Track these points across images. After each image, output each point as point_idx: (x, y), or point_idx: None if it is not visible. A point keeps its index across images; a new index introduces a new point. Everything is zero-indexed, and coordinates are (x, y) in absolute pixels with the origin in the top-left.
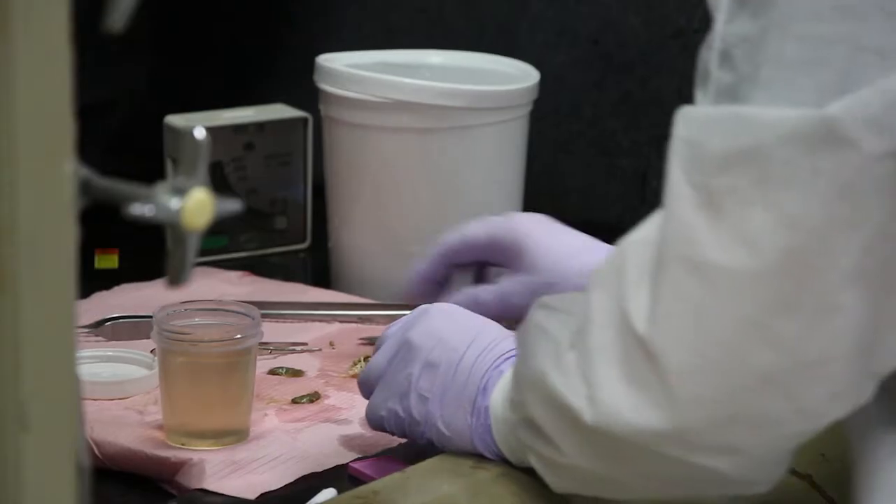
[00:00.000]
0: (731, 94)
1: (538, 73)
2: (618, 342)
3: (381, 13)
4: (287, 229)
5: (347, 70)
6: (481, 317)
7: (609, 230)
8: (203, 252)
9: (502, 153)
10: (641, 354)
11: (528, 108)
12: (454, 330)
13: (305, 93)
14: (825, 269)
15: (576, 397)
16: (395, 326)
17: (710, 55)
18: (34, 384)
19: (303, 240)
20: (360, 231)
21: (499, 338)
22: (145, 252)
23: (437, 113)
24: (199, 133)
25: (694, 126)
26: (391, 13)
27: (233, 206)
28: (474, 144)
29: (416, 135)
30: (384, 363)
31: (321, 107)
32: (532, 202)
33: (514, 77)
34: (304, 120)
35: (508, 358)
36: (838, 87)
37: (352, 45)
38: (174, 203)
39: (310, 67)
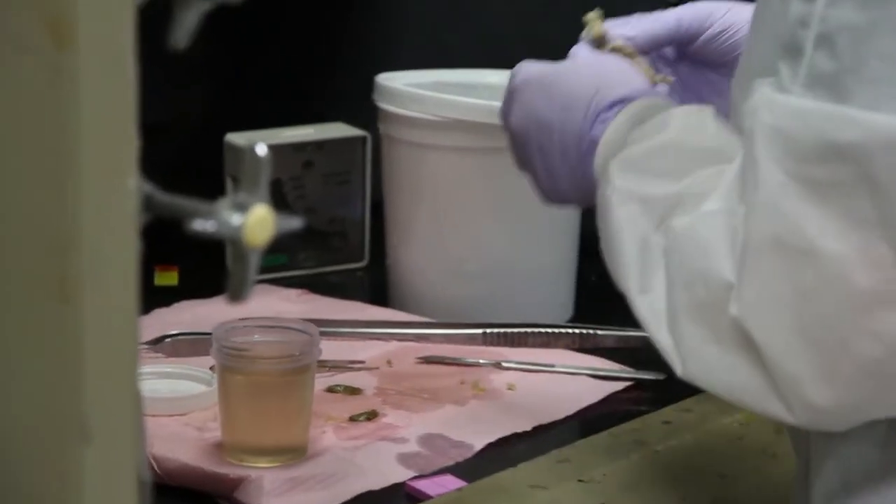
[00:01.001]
0: (829, 84)
1: None
2: (705, 312)
3: (439, 33)
4: (345, 247)
5: (406, 89)
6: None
7: None
8: (262, 270)
9: None
10: (734, 334)
11: None
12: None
13: (364, 111)
14: None
15: (664, 342)
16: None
17: (804, 33)
18: (97, 397)
19: (361, 258)
20: (417, 249)
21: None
22: (204, 269)
23: (495, 132)
24: (261, 150)
25: (785, 115)
26: (449, 33)
27: (293, 223)
28: None
29: (474, 154)
30: None
31: (380, 125)
32: (591, 222)
33: None
34: (363, 138)
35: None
36: None
37: (410, 64)
38: (236, 219)
39: (369, 86)
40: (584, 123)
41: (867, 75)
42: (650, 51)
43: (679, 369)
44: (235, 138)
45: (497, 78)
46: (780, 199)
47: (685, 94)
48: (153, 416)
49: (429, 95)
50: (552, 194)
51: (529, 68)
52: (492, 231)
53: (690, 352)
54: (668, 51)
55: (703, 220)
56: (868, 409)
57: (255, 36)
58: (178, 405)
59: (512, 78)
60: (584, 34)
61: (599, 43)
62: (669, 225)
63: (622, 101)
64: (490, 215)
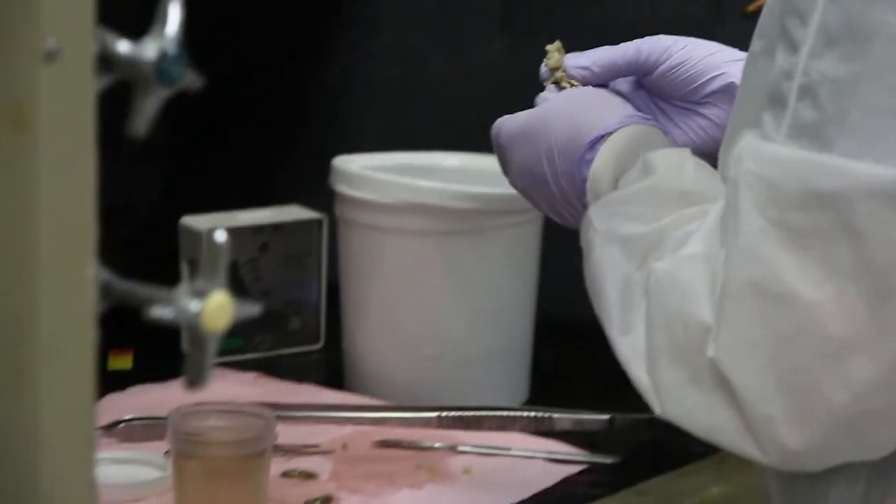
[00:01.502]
0: (812, 134)
1: None
2: (683, 353)
3: (397, 116)
4: (301, 330)
5: (363, 172)
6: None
7: None
8: (217, 353)
9: (517, 255)
10: (712, 376)
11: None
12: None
13: (321, 194)
14: None
15: (643, 382)
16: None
17: (787, 84)
18: (53, 484)
19: (317, 341)
20: (373, 332)
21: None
22: (159, 352)
23: (453, 215)
24: (220, 236)
25: (769, 163)
26: (407, 116)
27: (251, 309)
28: (489, 247)
29: (432, 237)
30: None
31: (337, 208)
32: (547, 304)
33: None
34: (320, 221)
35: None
36: None
37: (368, 147)
38: (194, 306)
39: (326, 168)
40: (574, 168)
41: (849, 125)
42: (608, 80)
43: (657, 409)
44: (191, 221)
45: (455, 161)
46: (760, 244)
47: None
48: (107, 502)
49: (386, 179)
50: (568, 224)
51: (509, 126)
52: (448, 314)
53: (669, 393)
54: (624, 82)
55: (683, 263)
56: (839, 452)
57: (212, 118)
58: (133, 491)
59: (496, 139)
60: (543, 65)
61: (554, 73)
62: (650, 266)
63: (601, 138)
64: (446, 298)
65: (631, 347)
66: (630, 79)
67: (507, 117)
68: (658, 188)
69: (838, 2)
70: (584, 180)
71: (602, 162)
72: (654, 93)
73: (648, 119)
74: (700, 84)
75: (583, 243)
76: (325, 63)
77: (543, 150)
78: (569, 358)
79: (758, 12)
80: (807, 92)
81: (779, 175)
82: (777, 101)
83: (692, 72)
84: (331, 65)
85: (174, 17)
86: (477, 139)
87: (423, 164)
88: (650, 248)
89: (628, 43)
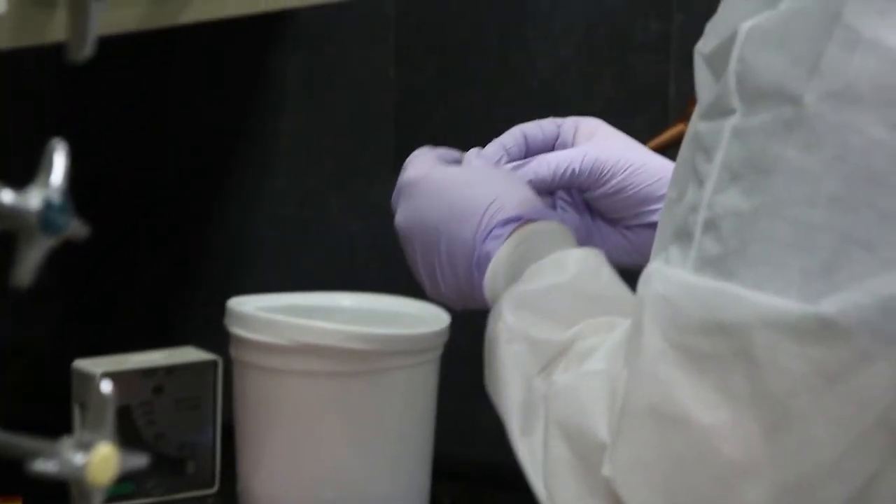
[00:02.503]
0: (715, 266)
1: (448, 316)
2: (579, 468)
3: (293, 256)
4: (196, 474)
5: (257, 313)
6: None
7: None
8: (108, 499)
9: (414, 396)
10: (606, 493)
11: (439, 352)
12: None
13: (217, 335)
14: (805, 457)
15: (540, 491)
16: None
17: (693, 217)
18: None
19: (212, 485)
20: (270, 476)
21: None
22: (50, 499)
23: (349, 356)
24: (106, 387)
25: (673, 286)
26: (302, 256)
27: (138, 460)
28: (386, 388)
29: (328, 379)
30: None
31: (232, 350)
32: (444, 444)
33: (425, 320)
34: (214, 363)
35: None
36: (826, 277)
37: (263, 287)
38: (78, 459)
39: (221, 310)
40: (477, 236)
41: (750, 257)
42: (543, 193)
43: None
44: (83, 365)
45: (350, 301)
46: (659, 366)
47: (576, 231)
48: None
49: (280, 320)
50: (432, 293)
51: (421, 165)
52: (345, 456)
53: None
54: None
55: (585, 379)
56: None
57: (105, 260)
58: None
59: (403, 170)
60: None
61: None
62: (552, 378)
63: (517, 220)
64: (343, 440)
65: (529, 453)
66: None
67: (419, 158)
68: (572, 288)
69: (742, 137)
70: (485, 255)
71: (511, 244)
72: (588, 201)
73: (559, 217)
74: (634, 213)
75: (487, 332)
76: (221, 203)
77: (447, 208)
78: (466, 499)
79: (659, 147)
80: (711, 225)
81: (682, 299)
82: (683, 235)
83: (627, 202)
84: (226, 205)
85: (59, 166)
86: (373, 279)
87: (319, 305)
88: (556, 354)
89: (568, 158)
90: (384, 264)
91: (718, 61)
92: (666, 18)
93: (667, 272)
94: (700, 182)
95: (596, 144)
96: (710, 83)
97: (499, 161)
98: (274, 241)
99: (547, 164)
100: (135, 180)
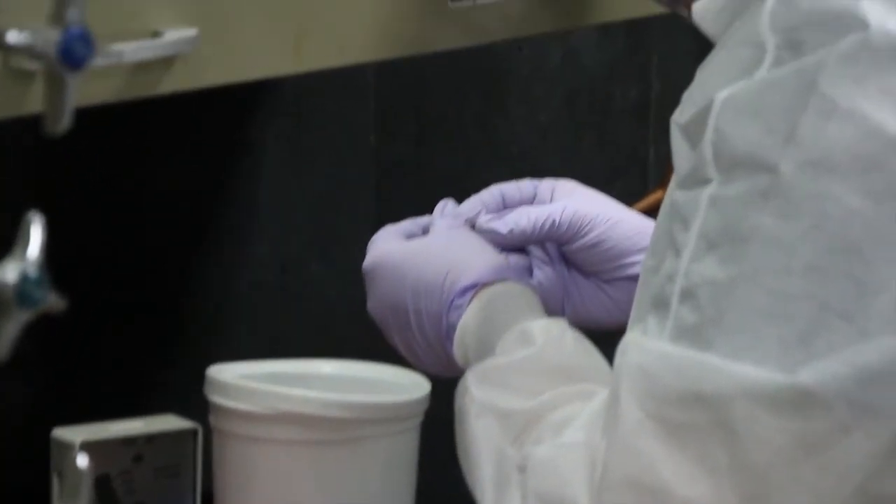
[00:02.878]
0: (692, 335)
1: (429, 384)
2: None
3: (273, 322)
4: None
5: (236, 381)
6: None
7: None
8: None
9: (394, 464)
10: None
11: (420, 419)
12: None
13: (197, 403)
14: None
15: None
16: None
17: (670, 287)
18: None
19: None
20: None
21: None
22: None
23: (328, 424)
24: (82, 461)
25: (650, 357)
26: (283, 322)
27: None
28: (366, 456)
29: (307, 447)
30: None
31: (211, 418)
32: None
33: (405, 387)
34: (194, 431)
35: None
36: (804, 346)
37: (243, 355)
38: None
39: (201, 377)
40: (441, 308)
41: (727, 327)
42: (520, 246)
43: None
44: (62, 433)
45: (330, 368)
46: (637, 437)
47: (553, 287)
48: None
49: (259, 388)
50: (417, 365)
51: (380, 250)
52: None
53: None
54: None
55: (563, 450)
56: None
57: (84, 326)
58: None
59: (366, 258)
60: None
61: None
62: (528, 450)
63: (474, 286)
64: None
65: None
66: None
67: (380, 239)
68: (538, 360)
69: (718, 206)
70: (452, 326)
71: (472, 313)
72: (565, 256)
73: (520, 273)
74: (614, 266)
75: (456, 408)
76: (201, 270)
77: (409, 285)
78: None
79: (646, 210)
80: (688, 295)
81: (659, 370)
82: (661, 305)
83: (607, 255)
84: (206, 271)
85: (36, 239)
86: (353, 346)
87: (299, 372)
88: (527, 425)
89: (547, 210)
90: (364, 331)
91: (695, 131)
92: (645, 85)
93: (644, 342)
94: (677, 251)
95: (574, 200)
96: (687, 152)
97: (478, 213)
98: (254, 308)
99: (527, 216)
100: (114, 247)
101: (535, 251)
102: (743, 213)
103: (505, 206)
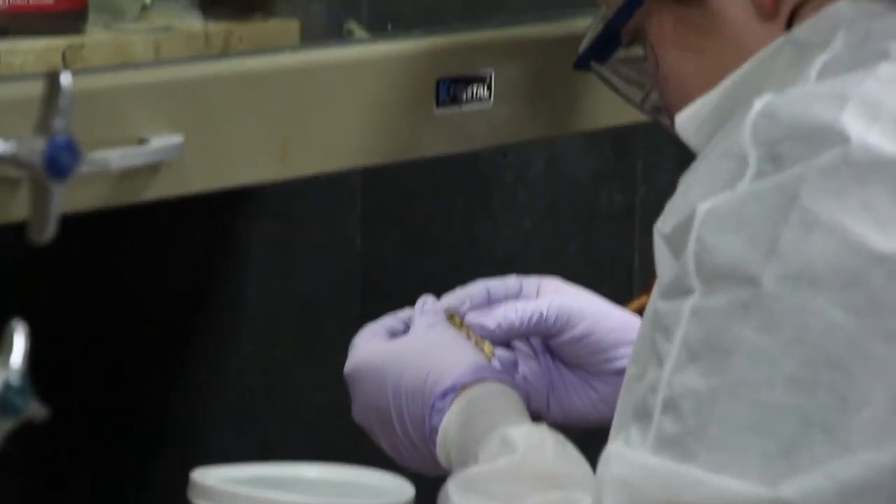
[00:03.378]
0: (674, 447)
1: (413, 488)
2: None
3: (257, 425)
4: None
5: (220, 486)
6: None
7: None
8: None
9: None
10: None
11: None
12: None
13: None
14: None
15: None
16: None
17: (652, 397)
18: None
19: None
20: None
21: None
22: None
23: None
24: None
25: (632, 468)
26: (267, 425)
27: None
28: None
29: None
30: None
31: None
32: None
33: (390, 491)
34: None
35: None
36: (786, 459)
37: (228, 456)
38: None
39: (185, 480)
40: (423, 411)
41: (709, 439)
42: (508, 340)
43: None
44: None
45: (315, 472)
46: None
47: (538, 381)
48: None
49: (244, 492)
50: (403, 465)
51: (361, 353)
52: None
53: None
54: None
55: None
56: None
57: (67, 429)
58: None
59: (347, 362)
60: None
61: (452, 318)
62: None
63: (454, 389)
64: None
65: None
66: None
67: (361, 341)
68: (520, 468)
69: (700, 317)
70: (434, 429)
71: (453, 416)
72: (551, 349)
73: (502, 374)
74: (600, 360)
75: None
76: (185, 371)
77: (390, 389)
78: None
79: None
80: (670, 405)
81: (641, 482)
82: (643, 415)
83: (594, 347)
84: (190, 373)
85: (19, 347)
86: (338, 449)
87: (284, 476)
88: None
89: (534, 305)
90: (349, 433)
91: (677, 240)
92: (630, 191)
93: (626, 453)
94: (660, 361)
95: (560, 295)
96: (670, 262)
97: (463, 305)
98: (239, 410)
99: (515, 310)
100: (99, 348)
101: (520, 345)
102: (725, 324)
103: (490, 301)
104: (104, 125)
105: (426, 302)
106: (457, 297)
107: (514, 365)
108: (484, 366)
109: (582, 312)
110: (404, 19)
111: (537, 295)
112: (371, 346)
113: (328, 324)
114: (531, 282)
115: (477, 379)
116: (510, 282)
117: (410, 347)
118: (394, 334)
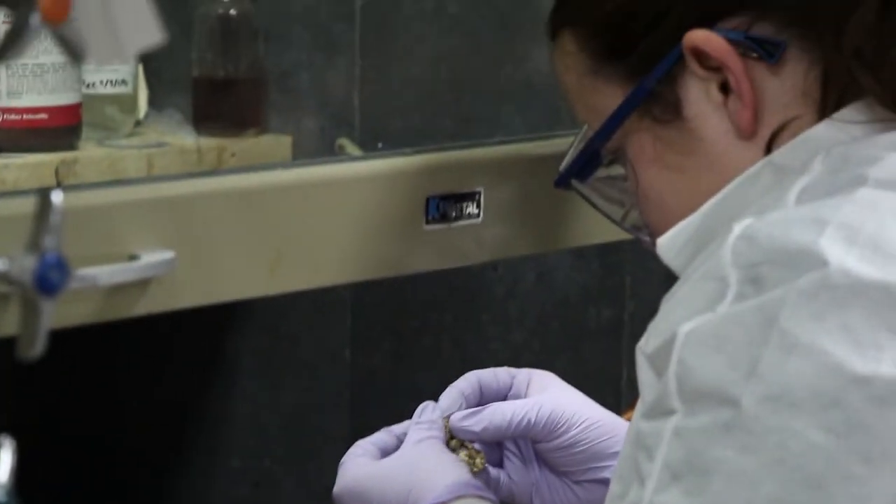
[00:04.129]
0: None
1: None
2: None
3: None
4: None
5: None
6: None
7: None
8: None
9: None
10: None
11: None
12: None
13: None
14: None
15: None
16: None
17: None
18: None
19: None
20: None
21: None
22: None
23: None
24: None
25: None
26: None
27: None
28: None
29: None
30: None
31: None
32: None
33: None
34: None
35: None
36: None
37: None
38: None
39: None
40: None
41: None
42: (495, 441)
43: None
44: None
45: None
46: None
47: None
48: None
49: None
50: None
51: (349, 475)
52: None
53: None
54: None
55: None
56: None
57: None
58: None
59: (336, 484)
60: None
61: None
62: None
63: None
64: None
65: None
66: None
67: (350, 461)
68: None
69: (682, 437)
70: None
71: None
72: (537, 451)
73: (484, 490)
74: (585, 469)
75: None
76: (174, 482)
77: None
78: None
79: None
80: None
81: None
82: None
83: (580, 457)
84: (179, 484)
85: (6, 463)
86: None
87: None
88: None
89: (523, 409)
90: None
91: (660, 361)
92: (619, 307)
93: None
94: (642, 481)
95: (551, 396)
96: (653, 382)
97: (460, 406)
98: None
99: (502, 413)
100: (87, 459)
101: (509, 444)
102: (705, 445)
103: (482, 393)
104: (96, 241)
105: (424, 411)
106: (450, 395)
107: (501, 463)
108: (464, 483)
109: (571, 419)
110: (395, 137)
111: (527, 390)
112: (360, 467)
113: (316, 438)
114: (523, 375)
115: (455, 496)
116: (501, 374)
117: (396, 466)
118: (385, 451)
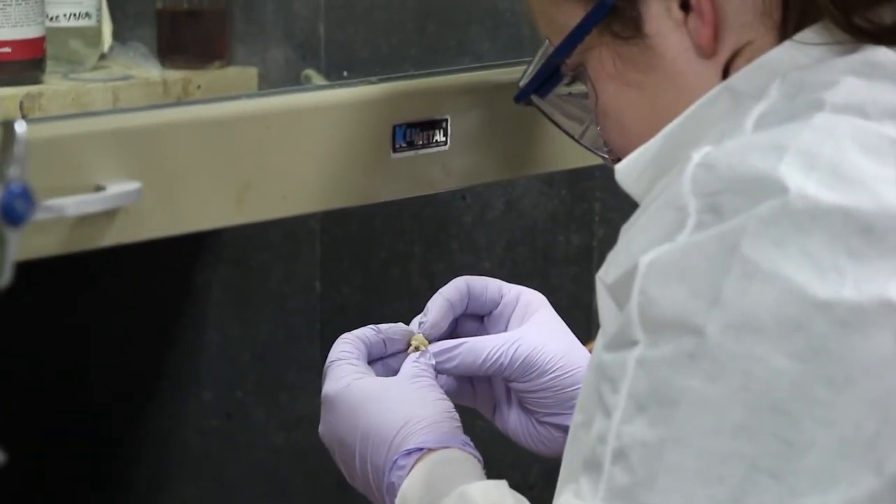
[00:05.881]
0: (625, 496)
1: None
2: None
3: (217, 469)
4: None
5: None
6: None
7: None
8: None
9: None
10: None
11: None
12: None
13: None
14: None
15: None
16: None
17: (601, 448)
18: None
19: None
20: None
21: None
22: None
23: None
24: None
25: None
26: (228, 468)
27: None
28: None
29: None
30: None
31: None
32: None
33: None
34: None
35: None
36: None
37: (188, 500)
38: None
39: None
40: (385, 464)
41: (659, 488)
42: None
43: None
44: None
45: None
46: None
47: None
48: None
49: None
50: (359, 491)
51: (339, 377)
52: None
53: None
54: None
55: None
56: None
57: (28, 474)
58: None
59: (324, 376)
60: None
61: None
62: None
63: (420, 450)
64: None
65: None
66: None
67: (339, 367)
68: None
69: (646, 368)
70: (391, 483)
71: (415, 478)
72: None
73: (469, 445)
74: (550, 413)
75: None
76: (146, 414)
77: (360, 430)
78: None
79: None
80: (620, 456)
81: None
82: (593, 466)
83: (549, 402)
84: (151, 416)
85: None
86: (297, 492)
87: None
88: None
89: (498, 349)
90: (308, 477)
91: (620, 292)
92: (588, 232)
93: None
94: (607, 412)
95: (529, 335)
96: (614, 312)
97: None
98: (199, 453)
99: (476, 354)
100: (58, 393)
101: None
102: (670, 375)
103: (469, 302)
104: (61, 172)
105: (423, 354)
106: (439, 306)
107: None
108: (453, 433)
109: (544, 365)
110: (361, 66)
111: (513, 312)
112: (356, 380)
113: (287, 368)
114: (513, 294)
115: (442, 446)
116: (492, 288)
117: (390, 394)
118: (370, 351)
